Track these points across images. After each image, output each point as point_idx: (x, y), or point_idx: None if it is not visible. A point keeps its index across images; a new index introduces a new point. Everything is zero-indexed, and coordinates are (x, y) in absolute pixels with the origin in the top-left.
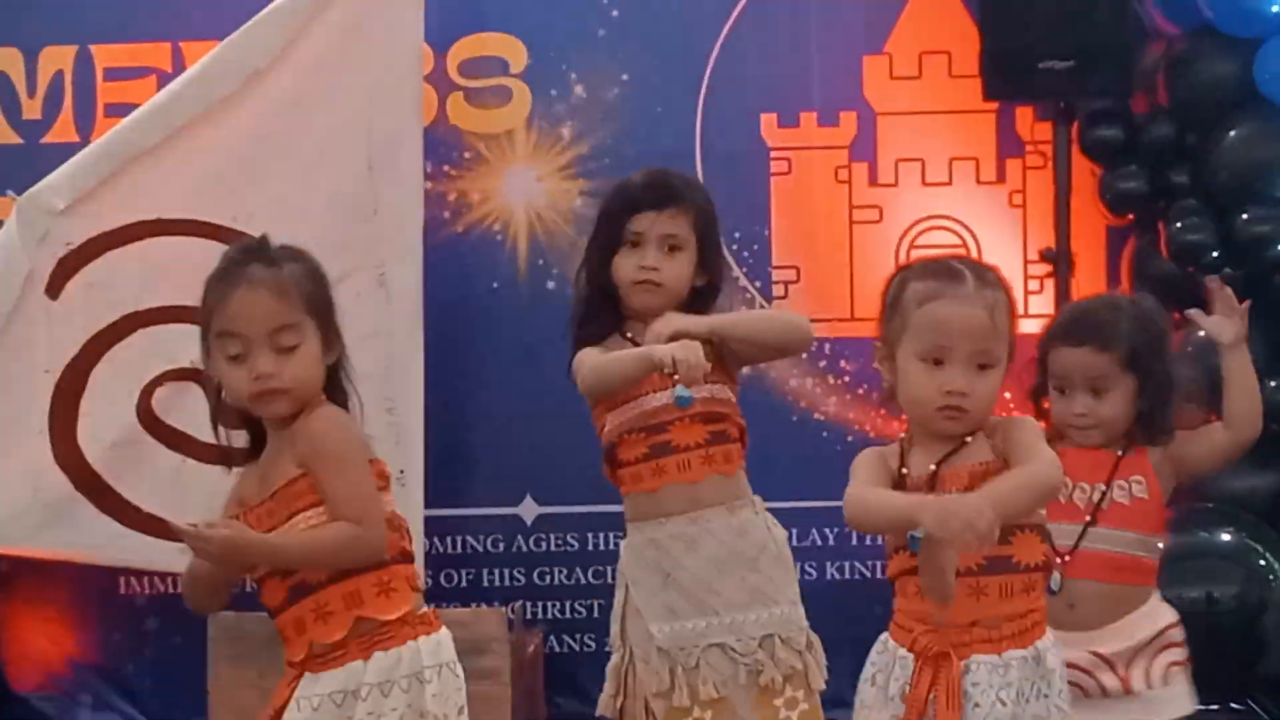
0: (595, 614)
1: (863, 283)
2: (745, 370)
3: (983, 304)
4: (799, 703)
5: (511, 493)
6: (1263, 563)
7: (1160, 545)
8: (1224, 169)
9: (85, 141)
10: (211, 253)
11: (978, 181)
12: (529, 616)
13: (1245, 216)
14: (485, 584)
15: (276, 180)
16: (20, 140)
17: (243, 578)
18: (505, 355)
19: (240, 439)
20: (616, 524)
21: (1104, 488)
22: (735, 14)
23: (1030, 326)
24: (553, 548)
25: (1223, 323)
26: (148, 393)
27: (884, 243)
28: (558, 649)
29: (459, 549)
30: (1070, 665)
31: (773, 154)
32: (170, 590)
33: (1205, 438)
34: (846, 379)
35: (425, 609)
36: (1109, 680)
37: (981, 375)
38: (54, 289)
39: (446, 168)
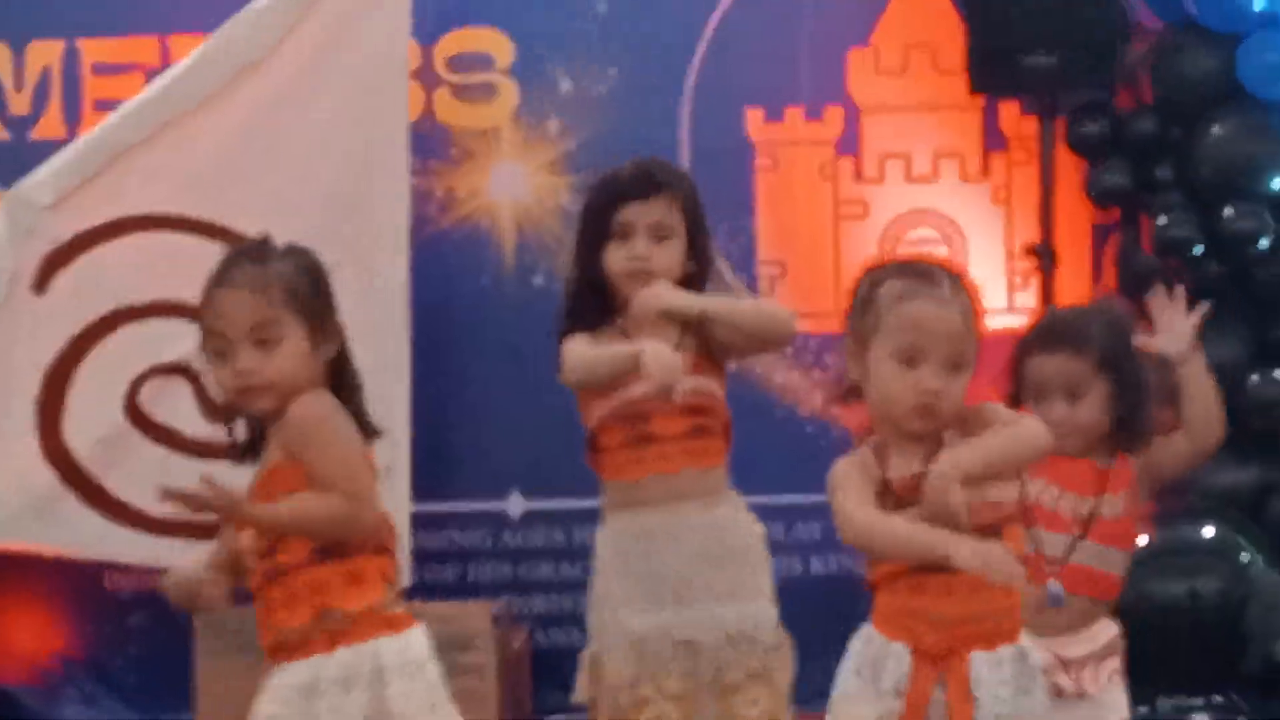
0: (581, 609)
1: (848, 278)
2: (731, 365)
3: (958, 305)
4: (759, 702)
5: (498, 488)
6: (1245, 557)
7: (1127, 561)
8: (1208, 164)
9: (72, 136)
10: (199, 248)
11: (963, 177)
12: (515, 612)
13: (1229, 211)
14: (471, 579)
15: (263, 176)
16: (7, 135)
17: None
18: (492, 350)
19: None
20: None
21: (1094, 501)
22: (721, 9)
23: (1014, 322)
24: (539, 543)
25: (1170, 339)
26: (135, 388)
27: (869, 238)
28: (544, 644)
29: (445, 544)
30: None
31: (758, 149)
32: (156, 585)
33: (1169, 446)
34: (832, 374)
35: (399, 608)
36: (1064, 682)
37: (954, 376)
38: (41, 284)
39: (433, 163)
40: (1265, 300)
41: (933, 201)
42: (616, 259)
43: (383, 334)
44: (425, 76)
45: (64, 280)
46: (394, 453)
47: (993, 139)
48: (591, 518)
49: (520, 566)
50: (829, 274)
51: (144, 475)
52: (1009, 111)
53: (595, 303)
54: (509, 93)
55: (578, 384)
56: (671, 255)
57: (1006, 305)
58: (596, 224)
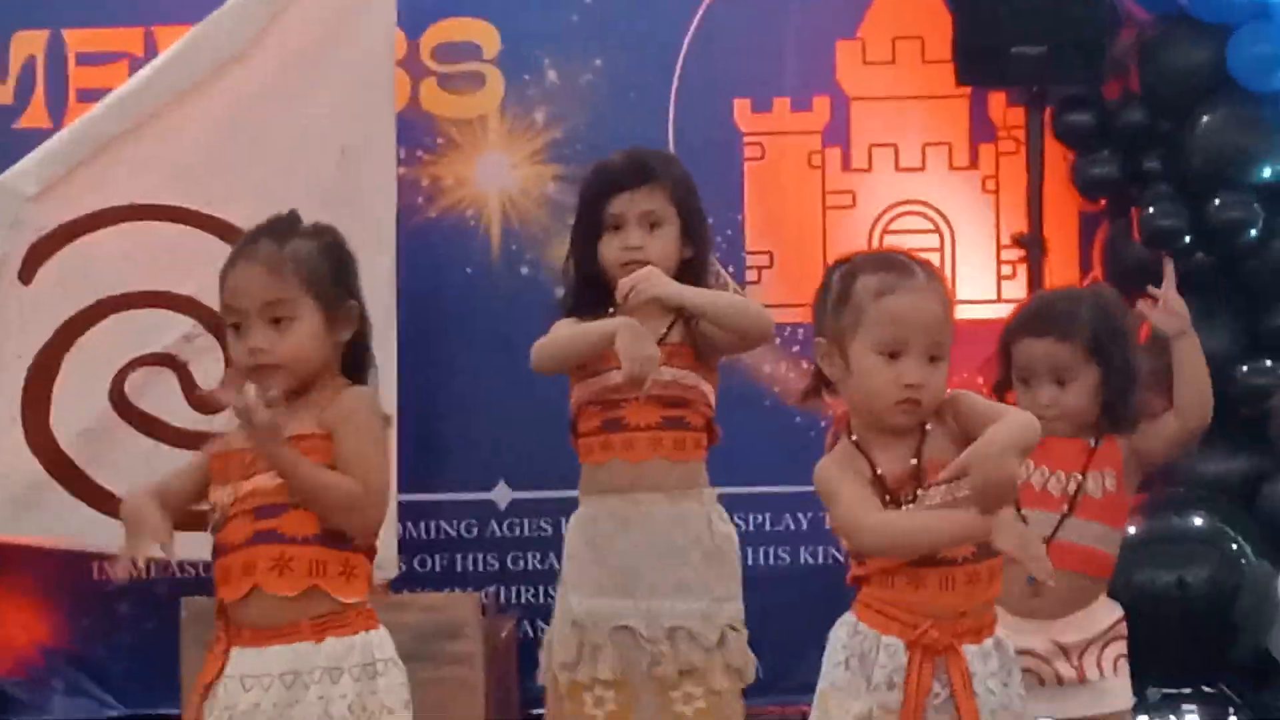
0: None
1: None
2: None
3: (936, 296)
4: (695, 699)
5: (485, 478)
6: (1235, 547)
7: (1120, 539)
8: (1196, 154)
9: (57, 127)
10: (185, 238)
11: (951, 167)
12: (503, 601)
13: (1218, 202)
14: (459, 569)
15: (250, 166)
16: None
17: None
18: (479, 340)
19: (218, 423)
20: None
21: (1080, 477)
22: None
23: (1002, 312)
24: (526, 533)
25: (1166, 317)
26: (121, 378)
27: (857, 228)
28: (531, 634)
29: (432, 534)
30: (1030, 653)
31: (746, 139)
32: (143, 576)
33: (1158, 428)
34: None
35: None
36: (1064, 669)
37: (933, 367)
38: (26, 275)
39: (420, 153)
40: (1254, 290)
41: (921, 192)
42: (611, 250)
43: (369, 323)
44: (412, 66)
45: (50, 270)
46: None
47: (981, 129)
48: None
49: (507, 556)
50: (817, 264)
51: (130, 466)
52: (997, 102)
53: (592, 295)
54: (495, 83)
55: (542, 367)
56: (665, 243)
57: (995, 295)
58: (589, 216)
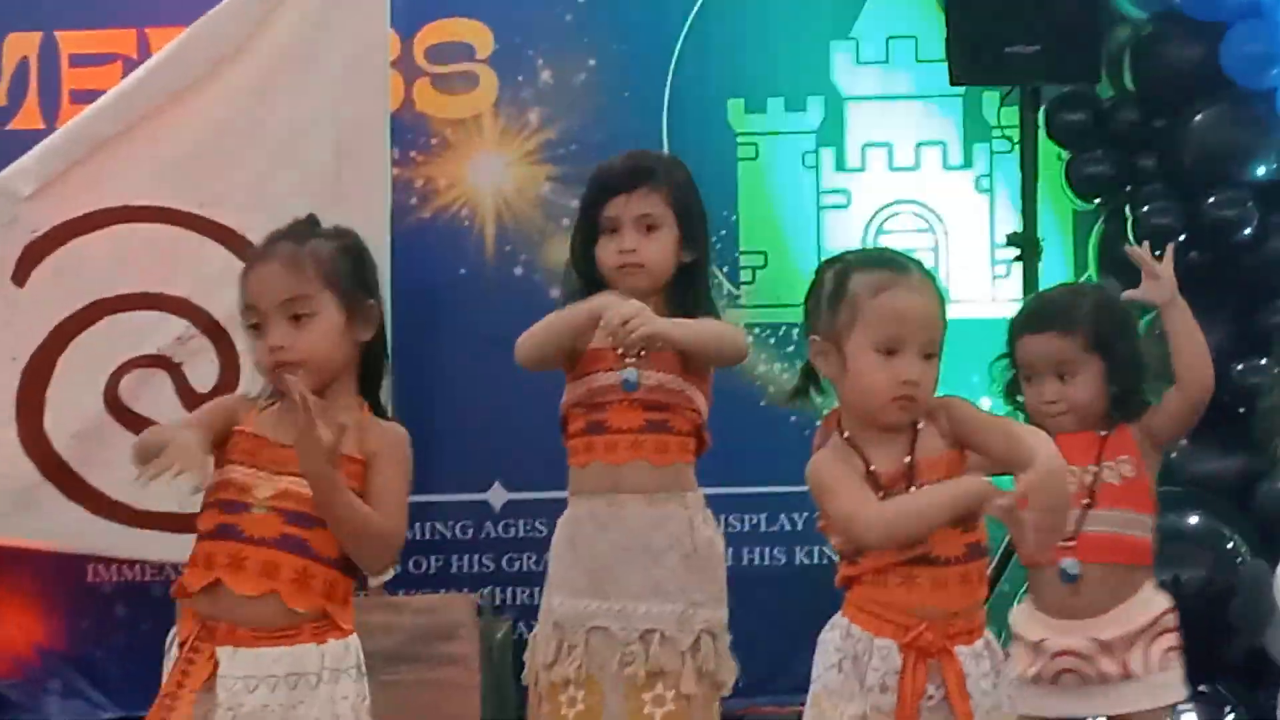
0: None
1: None
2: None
3: (931, 294)
4: (666, 702)
5: (480, 479)
6: (1230, 546)
7: (1152, 524)
8: (1190, 153)
9: (51, 128)
10: (178, 239)
11: (945, 166)
12: (498, 602)
13: (1212, 200)
14: (454, 570)
15: (243, 167)
16: None
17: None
18: (473, 341)
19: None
20: None
21: (1095, 469)
22: None
23: (997, 312)
24: (521, 534)
25: (1151, 286)
26: (115, 379)
27: (852, 228)
28: (526, 635)
29: (428, 535)
30: (1072, 652)
31: (740, 139)
32: (138, 578)
33: (1163, 406)
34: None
35: None
36: (1108, 666)
37: (928, 364)
38: (20, 276)
39: (413, 153)
40: (1248, 288)
41: (915, 191)
42: (607, 253)
43: None
44: (405, 67)
45: (44, 272)
46: None
47: (975, 129)
48: None
49: (503, 557)
50: (811, 264)
51: (124, 468)
52: (991, 101)
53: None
54: (489, 83)
55: (527, 358)
56: (662, 246)
57: (989, 295)
58: (587, 221)
